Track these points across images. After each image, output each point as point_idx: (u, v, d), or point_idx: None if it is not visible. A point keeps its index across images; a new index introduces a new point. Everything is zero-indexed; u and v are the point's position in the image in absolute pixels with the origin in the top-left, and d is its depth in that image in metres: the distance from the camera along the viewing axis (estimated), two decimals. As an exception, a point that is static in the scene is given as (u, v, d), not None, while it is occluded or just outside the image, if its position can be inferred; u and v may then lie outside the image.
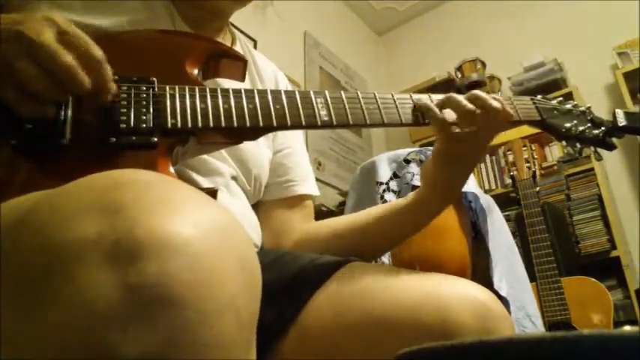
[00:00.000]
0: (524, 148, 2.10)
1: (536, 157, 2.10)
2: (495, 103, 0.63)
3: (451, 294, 0.58)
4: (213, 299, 0.30)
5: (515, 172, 2.00)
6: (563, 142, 0.76)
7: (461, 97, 0.63)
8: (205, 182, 0.70)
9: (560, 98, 0.79)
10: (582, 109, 0.78)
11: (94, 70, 0.48)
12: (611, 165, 2.67)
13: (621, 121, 0.76)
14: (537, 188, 2.01)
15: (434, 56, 3.45)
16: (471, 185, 1.41)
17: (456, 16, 3.56)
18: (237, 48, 0.86)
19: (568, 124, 0.74)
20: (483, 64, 3.03)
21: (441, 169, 0.67)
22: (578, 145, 0.75)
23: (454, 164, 0.66)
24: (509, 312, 1.23)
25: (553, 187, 2.53)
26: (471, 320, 0.55)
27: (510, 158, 2.20)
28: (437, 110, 0.63)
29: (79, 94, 0.48)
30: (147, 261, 0.28)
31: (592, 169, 2.46)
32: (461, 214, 1.37)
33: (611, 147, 0.77)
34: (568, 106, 0.77)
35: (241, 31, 2.56)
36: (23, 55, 0.45)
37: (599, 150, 0.78)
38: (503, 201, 2.24)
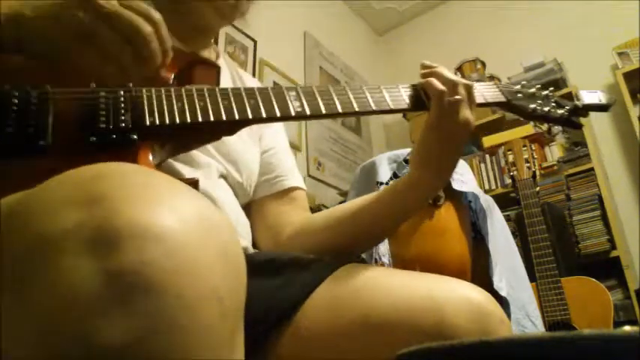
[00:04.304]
0: (524, 148, 2.10)
1: (536, 157, 2.10)
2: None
3: (447, 295, 0.58)
4: (194, 287, 0.30)
5: (515, 172, 2.00)
6: (531, 123, 0.80)
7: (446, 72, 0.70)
8: (191, 173, 0.70)
9: (524, 82, 0.83)
10: (545, 92, 0.81)
11: (158, 36, 0.53)
12: (611, 165, 2.67)
13: (583, 100, 0.80)
14: (537, 188, 2.01)
15: (434, 56, 3.41)
16: (471, 185, 1.41)
17: (456, 16, 3.56)
18: (221, 63, 0.88)
19: (533, 105, 0.78)
20: (483, 64, 3.04)
21: (430, 144, 0.69)
22: (546, 125, 0.78)
23: (443, 138, 0.69)
24: (510, 312, 1.23)
25: (553, 187, 2.53)
26: (467, 322, 0.56)
27: (510, 158, 2.20)
28: (438, 83, 0.68)
29: (153, 63, 0.53)
30: (126, 249, 0.29)
31: (592, 169, 2.46)
32: (461, 214, 1.37)
33: (577, 125, 0.81)
34: (532, 90, 0.81)
35: (241, 31, 2.56)
36: (103, 23, 0.49)
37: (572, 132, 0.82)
38: (503, 201, 2.24)
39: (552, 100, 0.81)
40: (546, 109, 0.78)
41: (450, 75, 0.69)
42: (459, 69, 3.04)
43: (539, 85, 0.82)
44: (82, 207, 0.31)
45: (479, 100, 0.72)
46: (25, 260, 0.30)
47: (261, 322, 0.60)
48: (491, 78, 2.97)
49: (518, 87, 0.80)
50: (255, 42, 2.66)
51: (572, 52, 2.87)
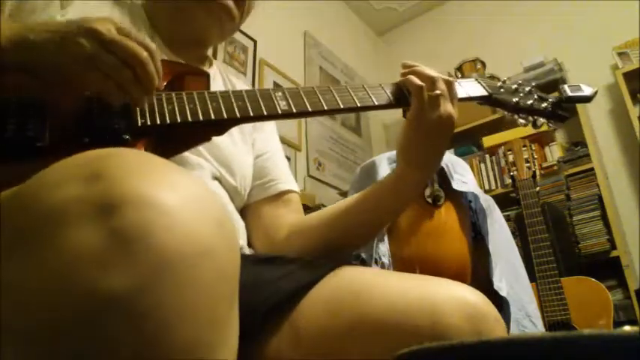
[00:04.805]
0: (524, 148, 2.10)
1: (536, 157, 2.10)
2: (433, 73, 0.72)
3: (443, 297, 0.59)
4: (191, 244, 0.32)
5: (515, 172, 2.00)
6: (516, 116, 0.82)
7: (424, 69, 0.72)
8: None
9: (505, 79, 0.85)
10: (528, 88, 0.83)
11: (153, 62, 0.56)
12: (611, 165, 2.67)
13: (566, 92, 0.82)
14: (537, 188, 2.01)
15: (434, 56, 3.45)
16: (471, 185, 1.41)
17: (456, 16, 3.56)
18: (213, 70, 0.90)
19: (516, 99, 0.80)
20: (483, 64, 3.03)
21: (412, 139, 0.71)
22: (531, 118, 0.81)
23: (424, 133, 0.70)
24: (510, 312, 1.23)
25: (553, 187, 2.53)
26: (462, 322, 0.56)
27: (510, 158, 2.20)
28: (417, 79, 0.70)
29: (152, 85, 0.55)
30: (127, 211, 0.31)
31: (592, 169, 2.46)
32: (461, 214, 1.37)
33: (563, 118, 0.83)
34: (514, 86, 0.83)
35: (241, 31, 2.56)
36: (103, 49, 0.52)
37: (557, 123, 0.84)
38: (503, 201, 2.24)
39: (535, 95, 0.82)
40: (529, 102, 0.80)
41: (430, 71, 0.71)
42: (459, 69, 3.04)
43: (520, 81, 0.84)
44: (83, 182, 0.33)
45: (461, 94, 0.74)
46: (30, 232, 0.32)
47: (258, 310, 0.60)
48: (492, 78, 2.97)
49: (500, 83, 0.83)
50: (255, 42, 2.66)
51: (572, 52, 2.86)
